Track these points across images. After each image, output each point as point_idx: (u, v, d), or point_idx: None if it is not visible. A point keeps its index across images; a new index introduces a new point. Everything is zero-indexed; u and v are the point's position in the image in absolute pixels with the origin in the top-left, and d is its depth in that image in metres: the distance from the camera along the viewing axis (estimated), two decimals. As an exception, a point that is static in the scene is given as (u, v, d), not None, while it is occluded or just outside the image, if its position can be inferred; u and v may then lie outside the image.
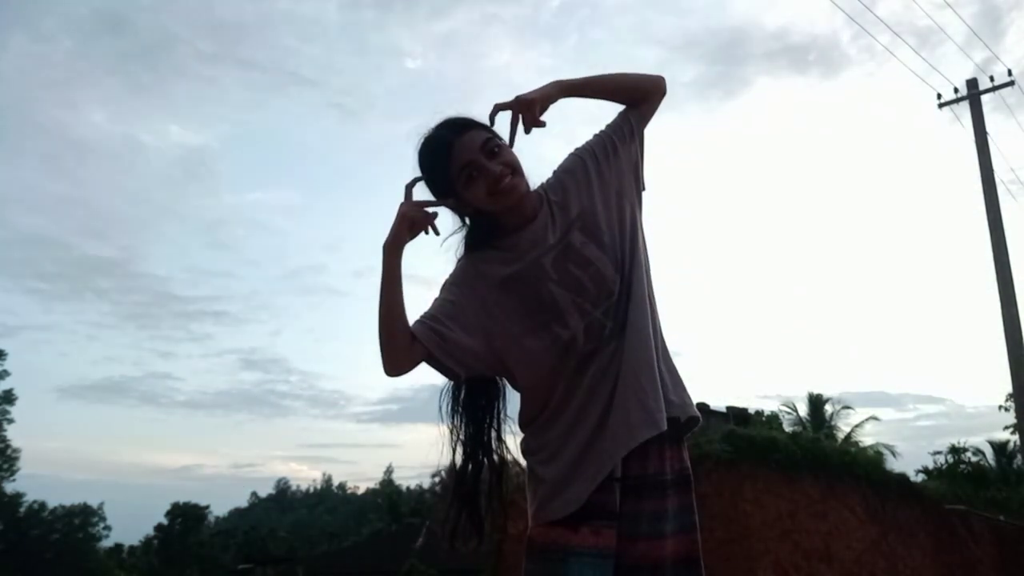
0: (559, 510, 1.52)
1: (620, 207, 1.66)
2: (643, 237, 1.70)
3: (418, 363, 1.57)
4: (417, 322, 1.58)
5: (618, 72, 1.75)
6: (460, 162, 1.56)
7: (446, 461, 1.67)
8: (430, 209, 1.62)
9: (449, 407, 1.68)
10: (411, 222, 1.59)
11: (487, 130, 1.61)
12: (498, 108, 1.61)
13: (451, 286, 1.65)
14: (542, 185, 1.70)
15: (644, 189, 1.74)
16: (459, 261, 1.69)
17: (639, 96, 1.75)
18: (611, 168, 1.69)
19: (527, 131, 1.62)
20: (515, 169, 1.59)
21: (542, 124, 1.62)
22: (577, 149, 1.74)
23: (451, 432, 1.67)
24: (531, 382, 1.62)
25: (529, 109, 1.60)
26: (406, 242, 1.59)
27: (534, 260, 1.60)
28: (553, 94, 1.65)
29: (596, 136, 1.74)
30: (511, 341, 1.58)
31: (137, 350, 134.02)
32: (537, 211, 1.65)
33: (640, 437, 1.51)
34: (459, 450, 1.67)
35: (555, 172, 1.73)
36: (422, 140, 1.64)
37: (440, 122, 1.63)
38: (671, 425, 1.60)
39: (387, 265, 1.56)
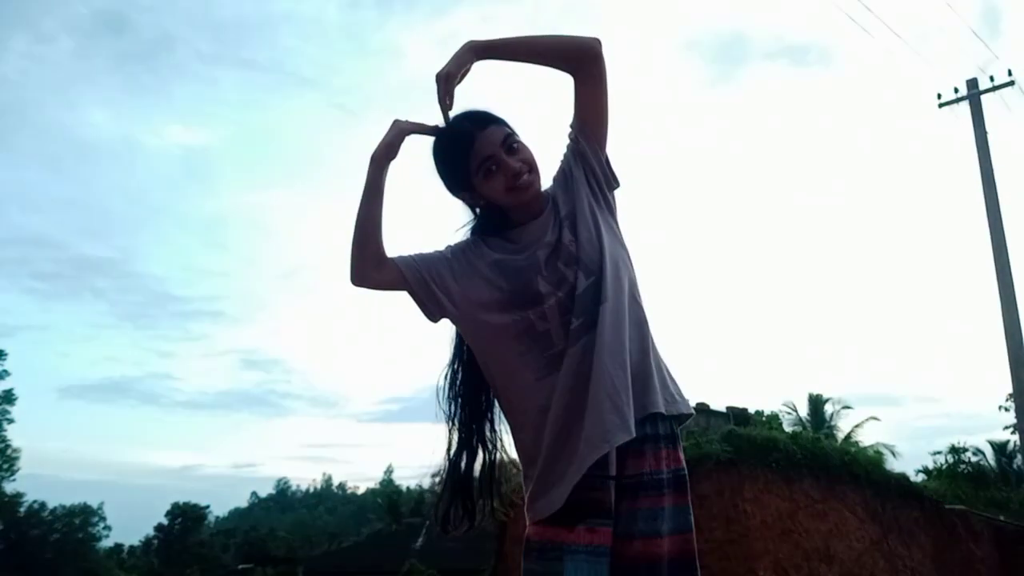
0: (543, 509, 1.53)
1: (592, 209, 1.67)
2: (621, 236, 1.72)
3: (388, 283, 1.60)
4: (405, 255, 1.62)
5: (545, 34, 1.68)
6: (481, 156, 1.59)
7: (442, 450, 1.69)
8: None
9: (446, 393, 1.70)
10: (404, 135, 1.63)
11: (507, 126, 1.64)
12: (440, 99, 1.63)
13: (448, 247, 1.69)
14: (550, 185, 1.73)
15: (617, 186, 1.74)
16: (465, 238, 1.73)
17: (567, 61, 1.66)
18: (580, 173, 1.70)
19: (445, 108, 1.64)
20: (532, 167, 1.62)
21: (449, 104, 1.64)
22: (562, 155, 1.76)
23: (447, 418, 1.69)
24: (502, 368, 1.62)
25: (448, 82, 1.62)
26: (395, 156, 1.62)
27: (531, 254, 1.63)
28: (467, 59, 1.65)
29: (568, 140, 1.74)
30: (485, 312, 1.59)
31: (136, 350, 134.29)
32: (543, 210, 1.67)
33: (614, 442, 1.51)
34: (455, 436, 1.69)
35: (555, 175, 1.76)
36: (441, 130, 1.66)
37: (461, 113, 1.65)
38: (666, 422, 1.61)
39: (371, 176, 1.60)
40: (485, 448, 1.70)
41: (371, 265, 1.58)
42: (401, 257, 1.62)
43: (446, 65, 1.63)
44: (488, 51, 1.66)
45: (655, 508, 1.55)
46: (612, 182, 1.73)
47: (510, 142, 1.61)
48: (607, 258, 1.61)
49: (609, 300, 1.57)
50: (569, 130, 1.73)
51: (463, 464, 1.68)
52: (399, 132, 1.65)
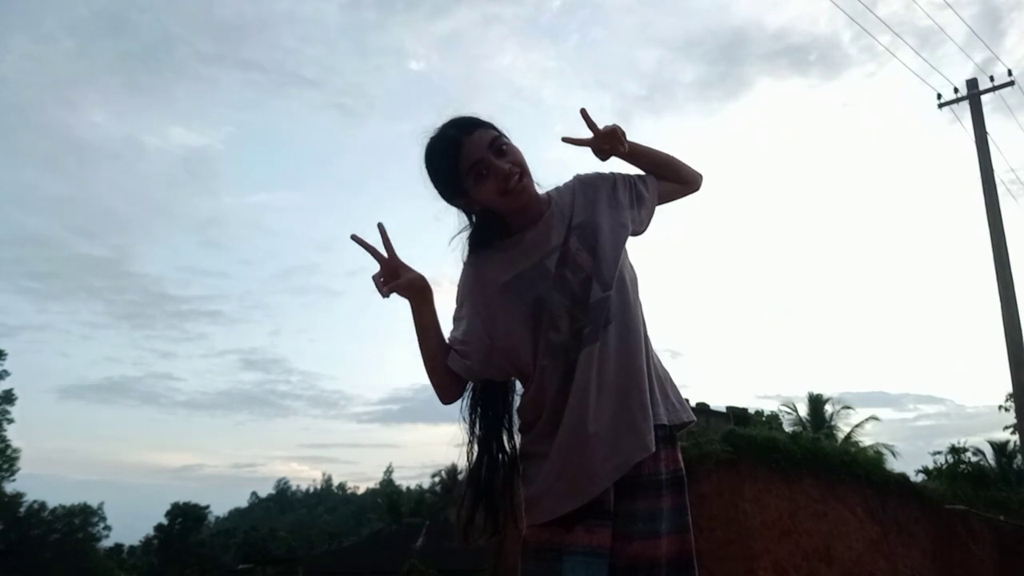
0: (543, 514, 1.54)
1: (622, 237, 1.69)
2: (628, 258, 1.73)
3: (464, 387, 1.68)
4: (453, 353, 1.61)
5: (671, 154, 1.87)
6: (470, 160, 1.58)
7: (461, 459, 1.70)
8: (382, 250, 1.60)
9: (468, 404, 1.71)
10: (417, 282, 1.60)
11: (494, 129, 1.62)
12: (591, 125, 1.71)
13: (461, 305, 1.68)
14: (555, 188, 1.73)
15: (642, 232, 1.79)
16: (464, 269, 1.70)
17: (679, 179, 1.87)
18: (626, 199, 1.73)
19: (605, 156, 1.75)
20: (523, 169, 1.61)
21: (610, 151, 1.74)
22: (614, 172, 1.78)
23: (469, 428, 1.70)
24: (527, 386, 1.63)
25: (618, 141, 1.72)
26: (424, 294, 1.60)
27: (538, 261, 1.62)
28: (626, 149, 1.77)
29: (634, 176, 1.81)
30: (511, 344, 1.60)
31: (136, 350, 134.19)
32: (542, 213, 1.66)
33: (631, 462, 1.53)
34: (475, 448, 1.69)
35: (574, 179, 1.76)
36: (430, 139, 1.64)
37: (447, 121, 1.64)
38: (666, 427, 1.61)
39: (414, 318, 1.61)
40: (504, 458, 1.70)
41: (450, 385, 1.63)
42: (457, 367, 1.61)
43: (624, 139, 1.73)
44: (635, 150, 1.80)
45: (653, 509, 1.56)
46: (643, 230, 1.79)
47: (498, 144, 1.59)
48: (621, 272, 1.63)
49: (619, 315, 1.59)
50: (643, 175, 1.83)
51: (484, 475, 1.68)
52: (411, 289, 1.59)
